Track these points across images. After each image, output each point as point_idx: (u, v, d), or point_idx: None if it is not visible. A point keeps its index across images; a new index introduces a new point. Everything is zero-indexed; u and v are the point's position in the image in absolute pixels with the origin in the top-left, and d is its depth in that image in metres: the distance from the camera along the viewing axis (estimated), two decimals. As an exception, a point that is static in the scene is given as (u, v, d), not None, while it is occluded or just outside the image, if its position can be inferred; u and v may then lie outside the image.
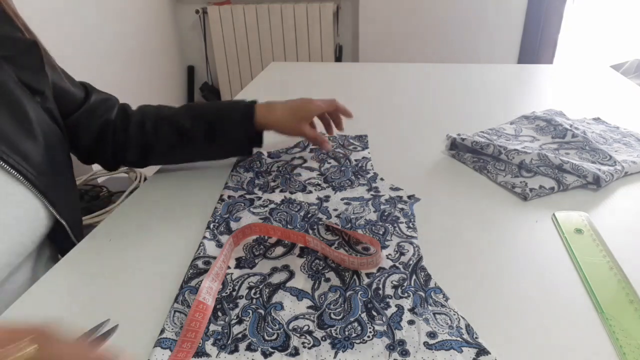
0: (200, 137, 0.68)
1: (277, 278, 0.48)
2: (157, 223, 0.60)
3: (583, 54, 2.44)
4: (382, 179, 0.67)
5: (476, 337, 0.40)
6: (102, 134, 0.66)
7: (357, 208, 0.60)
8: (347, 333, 0.42)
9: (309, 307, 0.45)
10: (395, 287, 0.46)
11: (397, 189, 0.64)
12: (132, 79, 2.17)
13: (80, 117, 0.64)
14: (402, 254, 0.51)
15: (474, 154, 0.72)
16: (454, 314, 0.43)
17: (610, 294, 0.45)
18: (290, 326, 0.42)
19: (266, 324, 0.43)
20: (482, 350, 0.39)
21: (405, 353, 0.39)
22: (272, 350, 0.40)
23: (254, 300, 0.45)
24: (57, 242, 0.58)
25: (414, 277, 0.48)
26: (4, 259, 0.48)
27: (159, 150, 0.69)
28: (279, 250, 0.53)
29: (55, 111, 0.58)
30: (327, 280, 0.48)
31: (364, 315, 0.43)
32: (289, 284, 0.47)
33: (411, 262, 0.50)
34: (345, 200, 0.62)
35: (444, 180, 0.66)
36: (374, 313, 0.43)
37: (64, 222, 0.54)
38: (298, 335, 0.42)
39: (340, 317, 0.43)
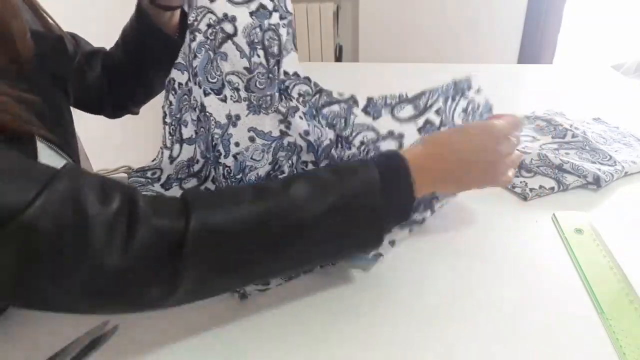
0: None
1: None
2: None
3: (583, 54, 2.44)
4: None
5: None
6: (97, 89, 0.69)
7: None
8: (260, 102, 0.49)
9: (245, 68, 0.49)
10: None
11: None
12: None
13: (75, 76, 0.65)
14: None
15: (474, 154, 0.71)
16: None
17: (610, 294, 0.45)
18: (227, 78, 0.49)
19: (211, 67, 0.49)
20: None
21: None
22: (210, 92, 0.49)
23: (209, 41, 0.49)
24: None
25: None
26: None
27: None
28: None
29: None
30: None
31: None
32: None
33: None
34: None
35: (444, 180, 0.66)
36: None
37: None
38: (230, 88, 0.49)
39: (262, 87, 0.49)
